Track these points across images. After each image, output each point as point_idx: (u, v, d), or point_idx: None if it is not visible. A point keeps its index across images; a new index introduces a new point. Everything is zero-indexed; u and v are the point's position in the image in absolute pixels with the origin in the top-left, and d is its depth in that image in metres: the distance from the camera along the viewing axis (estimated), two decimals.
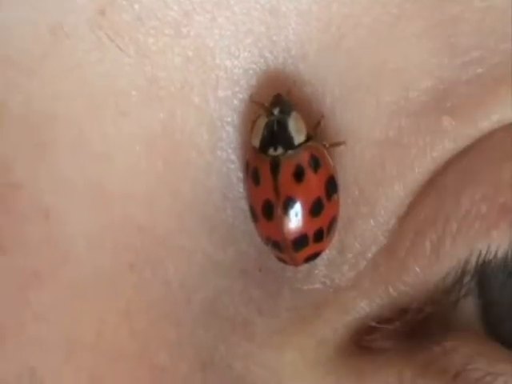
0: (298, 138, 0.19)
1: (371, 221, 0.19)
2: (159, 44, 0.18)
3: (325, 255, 0.19)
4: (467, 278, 0.19)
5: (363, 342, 0.21)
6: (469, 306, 0.21)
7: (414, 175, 0.19)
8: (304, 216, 0.19)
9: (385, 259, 0.19)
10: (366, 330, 0.20)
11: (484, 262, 0.19)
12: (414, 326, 0.20)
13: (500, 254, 0.19)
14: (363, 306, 0.20)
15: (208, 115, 0.18)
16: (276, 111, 0.19)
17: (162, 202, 0.19)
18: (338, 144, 0.19)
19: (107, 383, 0.19)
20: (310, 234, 0.19)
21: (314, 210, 0.19)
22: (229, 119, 0.18)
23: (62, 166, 0.18)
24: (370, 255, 0.19)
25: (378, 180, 0.19)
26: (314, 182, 0.19)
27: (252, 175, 0.19)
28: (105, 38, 0.18)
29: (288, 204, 0.19)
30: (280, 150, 0.19)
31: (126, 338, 0.19)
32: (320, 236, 0.19)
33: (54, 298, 0.19)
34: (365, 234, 0.19)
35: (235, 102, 0.18)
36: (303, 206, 0.19)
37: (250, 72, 0.18)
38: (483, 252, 0.19)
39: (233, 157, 0.19)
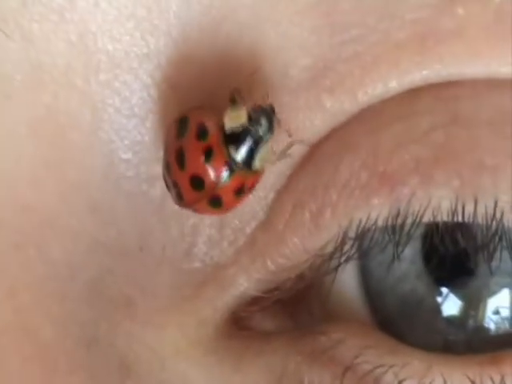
0: (256, 165, 0.19)
1: (249, 195, 0.20)
2: (43, 29, 0.18)
3: (204, 233, 0.20)
4: (347, 247, 0.20)
5: (244, 320, 0.21)
6: (350, 287, 0.21)
7: (293, 149, 0.19)
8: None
9: (263, 233, 0.20)
10: (246, 304, 0.21)
11: (364, 229, 0.19)
12: (294, 301, 0.21)
13: (380, 222, 0.19)
14: (242, 282, 0.20)
15: (90, 98, 0.19)
16: (262, 122, 0.19)
17: (47, 183, 0.19)
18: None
19: None
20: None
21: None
22: (110, 101, 0.19)
23: None
24: (249, 231, 0.20)
25: None
26: (230, 201, 0.19)
27: (198, 131, 0.19)
28: None
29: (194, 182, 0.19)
30: (238, 159, 0.19)
31: (10, 315, 0.19)
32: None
33: None
34: (243, 210, 0.20)
35: (116, 84, 0.19)
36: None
37: (132, 55, 0.18)
38: (363, 220, 0.19)
39: (114, 138, 0.19)
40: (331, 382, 0.20)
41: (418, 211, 0.18)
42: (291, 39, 0.18)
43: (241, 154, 0.19)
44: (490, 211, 0.18)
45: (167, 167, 0.19)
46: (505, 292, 0.21)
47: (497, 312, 0.21)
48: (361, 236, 0.19)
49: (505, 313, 0.21)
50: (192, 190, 0.19)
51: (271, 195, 0.20)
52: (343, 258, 0.20)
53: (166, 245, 0.20)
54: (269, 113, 0.19)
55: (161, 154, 0.19)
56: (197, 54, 0.19)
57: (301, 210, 0.19)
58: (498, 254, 0.19)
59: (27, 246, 0.19)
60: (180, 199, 0.19)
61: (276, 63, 0.19)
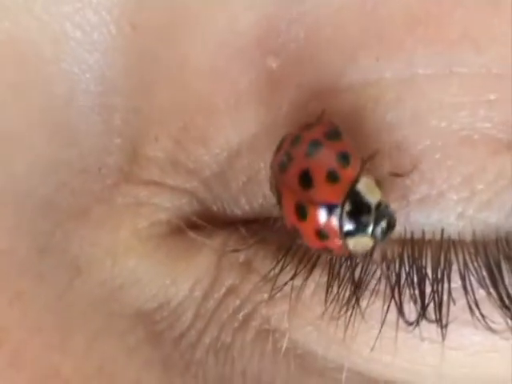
0: (349, 242, 0.19)
1: (201, 147, 0.20)
2: None
3: (160, 161, 0.21)
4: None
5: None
6: None
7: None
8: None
9: (218, 186, 0.21)
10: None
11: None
12: None
13: None
14: (197, 210, 0.21)
15: (51, 29, 0.19)
16: (383, 221, 0.18)
17: (11, 105, 0.19)
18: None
19: None
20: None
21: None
22: (72, 35, 0.19)
23: None
24: (204, 177, 0.21)
25: (208, 110, 0.20)
26: (310, 231, 0.19)
27: (341, 154, 0.19)
28: None
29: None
30: (343, 218, 0.18)
31: None
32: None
33: None
34: (196, 157, 0.20)
35: (77, 18, 0.19)
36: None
37: None
38: None
39: (76, 70, 0.19)
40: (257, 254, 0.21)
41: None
42: None
43: (348, 216, 0.18)
44: (437, 242, 0.19)
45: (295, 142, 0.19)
46: None
47: None
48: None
49: None
50: (299, 181, 0.19)
51: (224, 154, 0.20)
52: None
53: (123, 166, 0.21)
54: (392, 223, 0.19)
55: (120, 85, 0.20)
56: None
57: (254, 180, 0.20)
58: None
59: None
60: (280, 176, 0.19)
61: (223, 18, 0.19)
